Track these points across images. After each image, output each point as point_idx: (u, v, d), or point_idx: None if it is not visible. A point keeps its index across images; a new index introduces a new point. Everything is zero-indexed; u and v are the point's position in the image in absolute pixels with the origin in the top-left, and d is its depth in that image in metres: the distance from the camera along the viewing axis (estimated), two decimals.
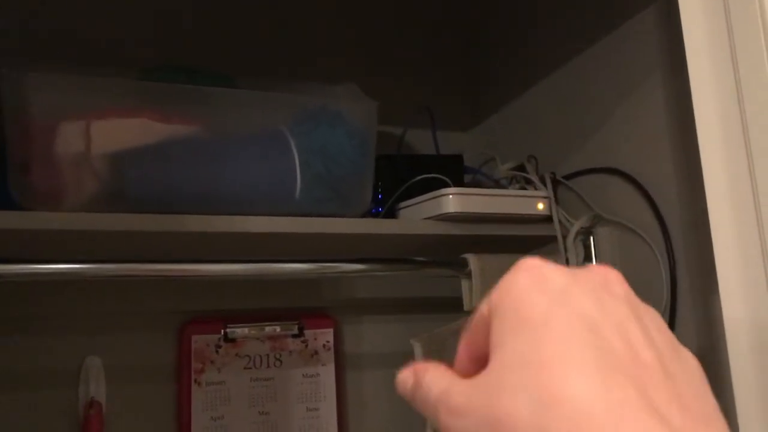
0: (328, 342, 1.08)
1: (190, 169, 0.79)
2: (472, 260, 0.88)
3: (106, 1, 1.08)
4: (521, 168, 1.07)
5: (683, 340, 0.80)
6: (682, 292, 0.82)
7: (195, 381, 1.00)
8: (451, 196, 0.89)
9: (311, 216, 0.84)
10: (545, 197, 0.95)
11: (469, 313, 0.88)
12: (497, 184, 1.10)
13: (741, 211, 0.52)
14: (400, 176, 1.03)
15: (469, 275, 0.88)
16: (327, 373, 1.07)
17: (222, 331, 1.02)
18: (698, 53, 0.56)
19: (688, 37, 0.57)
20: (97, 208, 0.77)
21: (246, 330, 1.04)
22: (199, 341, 1.02)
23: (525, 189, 1.03)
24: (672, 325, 0.83)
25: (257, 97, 0.81)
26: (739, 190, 0.52)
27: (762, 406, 0.50)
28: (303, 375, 1.06)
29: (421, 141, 1.20)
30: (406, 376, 0.32)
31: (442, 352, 0.92)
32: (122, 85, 0.76)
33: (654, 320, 0.30)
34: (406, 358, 1.00)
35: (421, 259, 0.89)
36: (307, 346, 1.07)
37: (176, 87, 0.78)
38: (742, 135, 0.52)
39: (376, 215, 1.01)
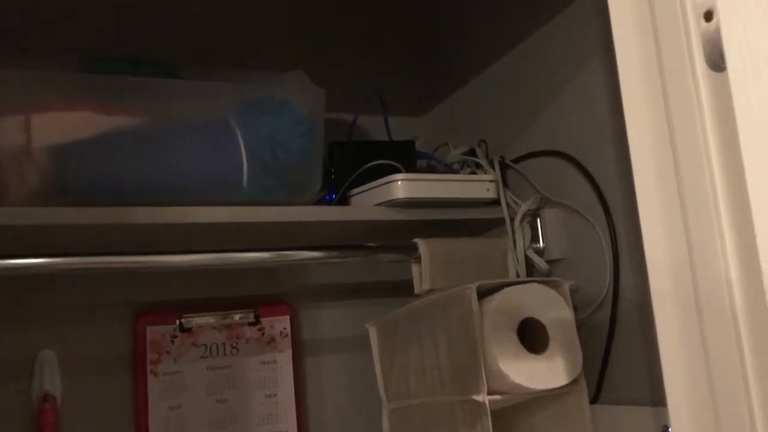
0: (285, 329, 1.09)
1: (135, 161, 0.79)
2: (422, 245, 0.89)
3: None
4: (472, 152, 1.09)
5: (625, 313, 0.83)
6: (624, 270, 0.85)
7: (151, 371, 1.00)
8: (399, 182, 0.90)
9: (260, 205, 0.85)
10: (492, 181, 0.97)
11: (420, 296, 0.89)
12: (449, 169, 1.11)
13: (666, 193, 0.54)
14: (353, 163, 1.03)
15: (418, 260, 0.89)
16: (284, 360, 1.07)
17: (177, 321, 1.03)
18: (625, 43, 0.57)
19: (615, 27, 0.58)
20: (41, 202, 0.76)
21: (202, 319, 1.04)
22: (154, 332, 1.02)
23: (475, 173, 1.05)
24: (615, 299, 0.85)
25: (201, 87, 0.81)
26: (664, 170, 0.54)
27: (685, 372, 0.51)
28: (260, 362, 1.06)
29: (375, 126, 1.21)
30: None
31: (395, 336, 0.94)
32: (63, 78, 0.76)
33: None
34: (362, 342, 1.02)
35: (372, 245, 0.90)
36: (263, 333, 1.08)
37: (118, 79, 0.78)
38: (665, 119, 0.54)
39: (329, 202, 1.02)
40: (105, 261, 0.79)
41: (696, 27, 0.51)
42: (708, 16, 0.50)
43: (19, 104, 0.74)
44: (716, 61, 0.49)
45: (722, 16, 0.45)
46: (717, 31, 0.48)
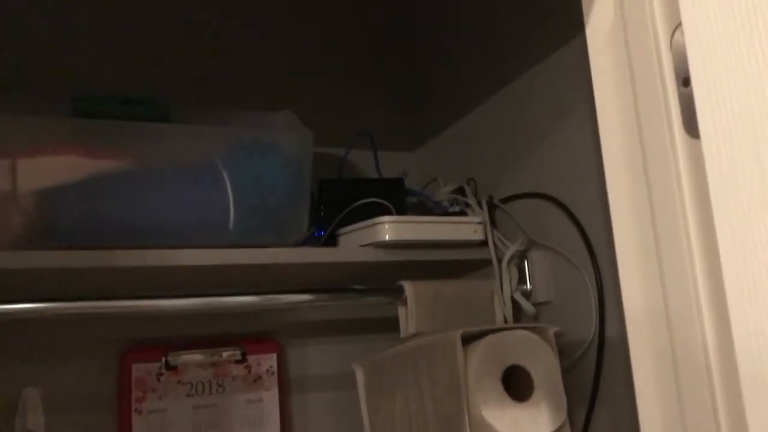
0: (271, 366, 1.08)
1: (121, 204, 0.79)
2: (408, 288, 0.89)
3: (41, 26, 1.07)
4: (461, 190, 1.09)
5: (611, 358, 0.83)
6: (610, 315, 0.84)
7: (135, 410, 0.99)
8: (386, 225, 0.90)
9: (245, 246, 0.85)
10: (480, 223, 0.97)
11: (405, 340, 0.89)
12: (438, 207, 1.11)
13: (644, 249, 0.54)
14: (343, 200, 1.04)
15: (405, 302, 0.89)
16: (270, 398, 1.07)
17: (163, 358, 1.02)
18: (606, 105, 0.58)
19: (597, 90, 0.58)
20: (26, 245, 0.76)
21: (188, 357, 1.03)
22: (139, 369, 1.01)
23: (464, 211, 1.05)
24: (601, 344, 0.85)
25: (188, 130, 0.81)
26: (642, 228, 0.54)
27: (661, 420, 0.51)
28: (246, 400, 1.06)
29: (366, 162, 1.21)
30: None
31: (382, 377, 0.93)
32: (48, 123, 0.76)
33: None
34: (350, 380, 1.02)
35: (360, 287, 0.90)
36: (250, 371, 1.07)
37: (104, 123, 0.78)
38: (642, 166, 0.54)
39: (318, 238, 1.02)
40: (91, 306, 0.79)
41: (674, 92, 0.51)
42: (686, 81, 0.51)
43: (4, 149, 0.74)
44: (694, 127, 0.50)
45: (694, 83, 0.45)
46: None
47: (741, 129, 0.42)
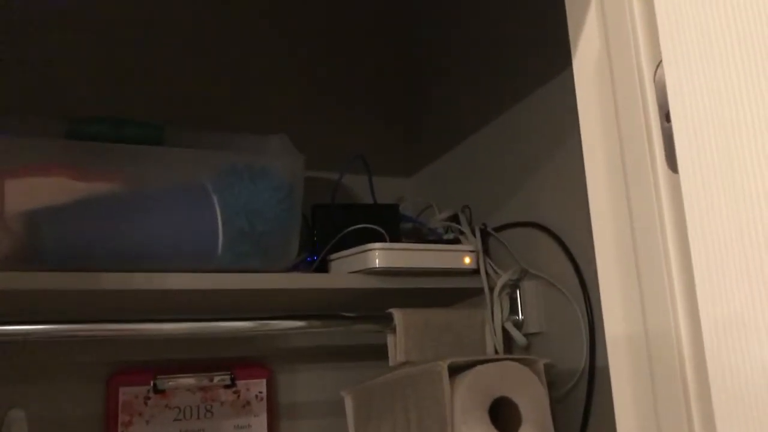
0: (260, 392, 1.07)
1: (110, 227, 0.79)
2: (397, 316, 0.88)
3: (35, 46, 1.08)
4: (456, 218, 1.09)
5: (602, 390, 0.81)
6: (601, 346, 0.83)
7: None
8: (377, 252, 0.90)
9: (234, 272, 0.84)
10: (472, 251, 0.96)
11: (394, 368, 0.88)
12: (433, 233, 1.11)
13: (626, 280, 0.54)
14: (336, 226, 1.03)
15: (394, 330, 0.88)
16: (259, 424, 1.06)
17: (151, 382, 1.01)
18: (591, 140, 0.58)
19: (583, 123, 0.58)
20: (12, 266, 0.76)
21: (176, 381, 1.02)
22: (127, 393, 1.00)
23: (458, 239, 1.04)
24: (591, 376, 0.84)
25: (179, 154, 0.81)
26: (624, 259, 0.54)
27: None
28: (234, 426, 1.05)
29: (361, 187, 1.21)
30: None
31: (371, 405, 0.92)
32: (38, 144, 0.76)
33: None
34: (339, 406, 1.00)
35: (350, 315, 0.89)
36: (239, 396, 1.06)
37: (95, 145, 0.78)
38: (625, 198, 0.54)
39: (310, 264, 1.02)
40: (80, 329, 0.78)
41: (657, 126, 0.51)
42: (669, 116, 0.50)
43: None
44: (675, 161, 0.49)
45: (674, 118, 0.45)
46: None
47: (718, 166, 0.42)
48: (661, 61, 0.50)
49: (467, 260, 0.94)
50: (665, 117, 0.50)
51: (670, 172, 0.49)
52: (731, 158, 0.42)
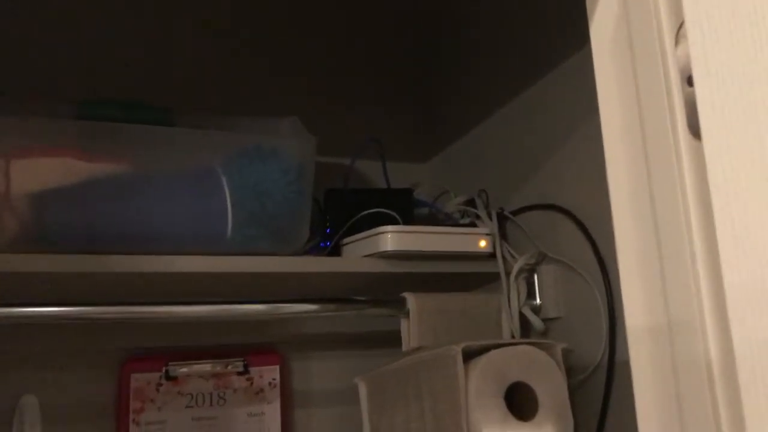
0: (274, 380, 1.05)
1: (117, 209, 0.77)
2: (410, 300, 0.86)
3: (45, 30, 1.08)
4: (472, 202, 1.06)
5: (622, 377, 0.79)
6: (621, 332, 0.81)
7: (133, 421, 0.97)
8: (389, 234, 0.87)
9: (244, 254, 0.83)
10: (488, 234, 0.93)
11: (407, 354, 0.86)
12: (449, 218, 1.09)
13: (647, 262, 0.51)
14: (349, 210, 1.01)
15: (407, 315, 0.86)
16: (272, 412, 1.04)
17: (163, 368, 1.00)
18: (609, 107, 0.55)
19: (600, 90, 0.56)
20: (19, 248, 0.75)
21: (188, 367, 1.01)
22: (139, 379, 0.99)
23: (474, 223, 1.02)
24: (611, 363, 0.81)
25: (188, 135, 0.80)
26: (645, 239, 0.51)
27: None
28: (248, 414, 1.03)
29: (375, 172, 1.19)
30: None
31: (384, 392, 0.90)
32: (46, 126, 0.75)
33: None
34: (353, 394, 0.98)
35: (362, 298, 0.87)
36: (252, 383, 1.05)
37: (103, 125, 0.77)
38: (645, 168, 0.51)
39: (324, 249, 1.00)
40: (91, 311, 0.77)
41: (679, 92, 0.48)
42: (691, 80, 0.48)
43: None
44: (697, 128, 0.47)
45: (696, 82, 0.42)
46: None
47: (743, 131, 0.39)
48: (683, 21, 0.48)
49: (482, 243, 0.91)
50: (687, 81, 0.48)
51: (693, 138, 0.47)
52: (758, 123, 0.40)
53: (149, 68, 1.12)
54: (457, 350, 0.75)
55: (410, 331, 0.85)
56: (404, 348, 0.87)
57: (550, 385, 0.78)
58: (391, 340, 1.05)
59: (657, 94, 0.49)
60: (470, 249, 0.91)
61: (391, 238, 0.87)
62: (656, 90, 0.49)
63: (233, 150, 0.83)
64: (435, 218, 1.16)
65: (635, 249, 0.52)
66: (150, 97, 1.06)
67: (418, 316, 0.85)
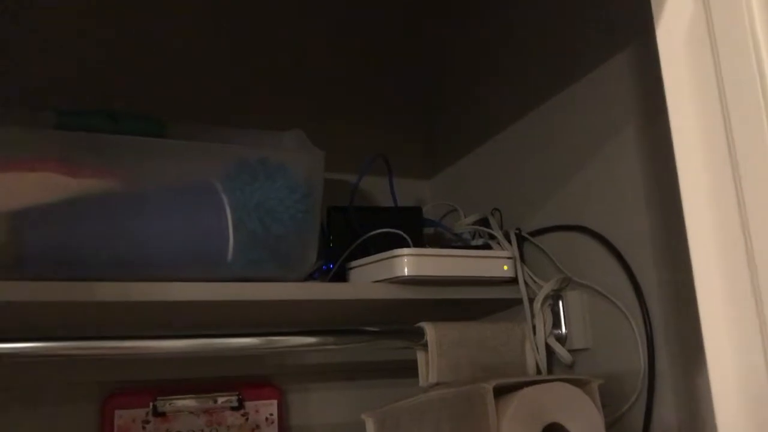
0: (271, 415, 0.97)
1: (104, 230, 0.69)
2: (429, 330, 0.78)
3: (33, 36, 0.99)
4: (484, 221, 0.99)
5: (662, 414, 0.71)
6: (661, 365, 0.74)
7: None
8: (405, 258, 0.80)
9: (246, 280, 0.74)
10: (510, 257, 0.86)
11: (425, 390, 0.78)
12: (458, 238, 1.01)
13: (732, 277, 0.44)
14: (354, 230, 0.94)
15: (425, 347, 0.79)
16: None
17: (150, 404, 0.91)
18: (681, 101, 0.48)
19: (669, 84, 0.49)
20: None
21: (178, 402, 0.93)
22: (123, 416, 0.90)
23: (488, 245, 0.95)
24: (650, 400, 0.74)
25: (183, 147, 0.72)
26: (730, 253, 0.44)
27: None
28: None
29: (380, 189, 1.11)
30: None
31: (397, 430, 0.82)
32: (23, 135, 0.66)
33: None
34: (358, 430, 0.90)
35: (373, 329, 0.79)
36: (247, 419, 0.96)
37: (87, 137, 0.68)
38: (735, 194, 0.44)
39: (326, 272, 0.92)
40: (72, 347, 0.68)
41: None
42: None
43: None
44: None
45: None
46: None
47: None
48: None
49: (506, 267, 0.84)
50: None
51: None
52: None
53: (140, 80, 1.04)
54: (488, 388, 0.68)
55: (429, 365, 0.78)
56: (421, 383, 0.79)
57: (586, 425, 0.71)
58: (398, 370, 0.98)
59: (749, 94, 0.43)
60: (494, 274, 0.84)
61: (407, 262, 0.79)
62: (748, 90, 0.43)
63: (235, 164, 0.75)
64: (442, 238, 1.09)
65: (720, 287, 0.45)
66: (140, 108, 0.98)
67: (437, 348, 0.78)
